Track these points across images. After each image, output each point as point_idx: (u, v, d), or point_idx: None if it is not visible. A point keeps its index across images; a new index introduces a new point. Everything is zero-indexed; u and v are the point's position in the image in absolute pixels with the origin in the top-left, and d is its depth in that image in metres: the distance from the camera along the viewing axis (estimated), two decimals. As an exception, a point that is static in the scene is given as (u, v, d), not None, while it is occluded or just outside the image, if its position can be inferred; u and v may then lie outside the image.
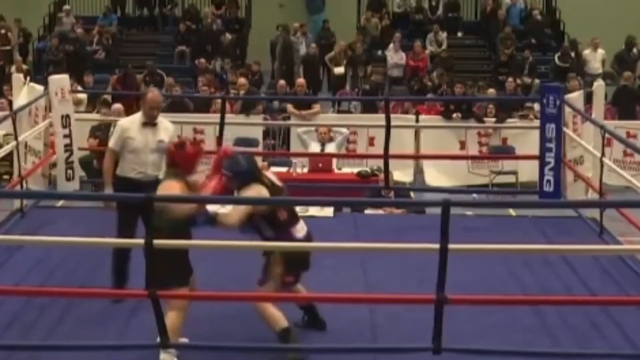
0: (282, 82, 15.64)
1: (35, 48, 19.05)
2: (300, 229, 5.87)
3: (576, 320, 6.29)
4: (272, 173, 6.25)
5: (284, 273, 5.80)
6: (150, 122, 6.74)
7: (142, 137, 6.72)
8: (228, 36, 18.98)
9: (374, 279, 7.07)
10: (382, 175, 9.84)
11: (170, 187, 5.69)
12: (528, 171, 12.08)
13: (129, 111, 14.32)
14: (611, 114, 15.00)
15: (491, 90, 15.39)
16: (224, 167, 5.81)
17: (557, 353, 5.89)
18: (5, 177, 12.38)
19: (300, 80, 14.97)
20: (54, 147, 9.27)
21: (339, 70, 17.70)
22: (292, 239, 5.79)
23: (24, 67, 17.17)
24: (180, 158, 5.76)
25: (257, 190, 5.77)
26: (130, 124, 6.84)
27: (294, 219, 5.90)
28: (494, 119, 14.34)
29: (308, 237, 5.91)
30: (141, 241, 5.42)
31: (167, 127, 6.84)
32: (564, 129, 8.94)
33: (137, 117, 6.82)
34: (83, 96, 14.57)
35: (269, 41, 18.78)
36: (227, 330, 6.09)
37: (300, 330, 6.05)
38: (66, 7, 19.94)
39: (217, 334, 5.99)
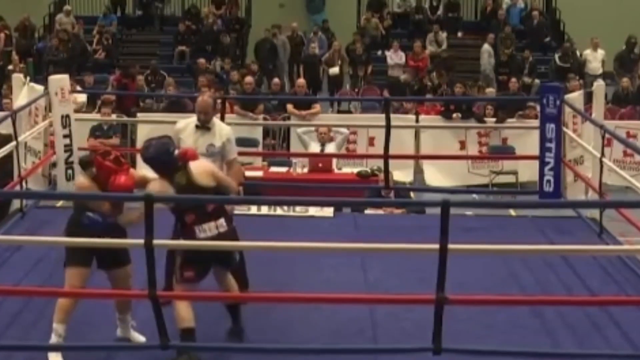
0: (276, 80, 15.67)
1: (36, 48, 19.04)
2: (209, 229, 5.73)
3: (576, 320, 6.29)
4: (206, 172, 5.92)
5: (182, 267, 5.69)
6: (202, 126, 6.60)
7: (192, 140, 6.56)
8: (228, 36, 19.00)
9: (374, 279, 7.07)
10: (382, 175, 9.84)
11: (79, 183, 5.92)
12: (528, 171, 12.09)
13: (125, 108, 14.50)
14: (629, 114, 15.07)
15: (490, 89, 15.37)
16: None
17: (557, 353, 5.89)
18: (5, 177, 12.38)
19: (301, 81, 14.98)
20: (54, 147, 9.27)
21: (334, 70, 17.75)
22: (194, 236, 5.70)
23: (21, 66, 17.17)
24: (97, 163, 5.80)
25: (158, 185, 5.73)
26: (185, 125, 6.70)
27: (204, 219, 5.73)
28: (494, 119, 14.34)
29: (220, 237, 5.74)
30: (140, 241, 5.41)
31: (222, 133, 6.61)
32: (564, 129, 8.95)
33: (194, 119, 6.69)
34: (83, 100, 14.56)
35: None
36: (226, 330, 6.09)
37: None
38: (67, 7, 19.93)
39: (216, 334, 5.99)
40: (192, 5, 20.42)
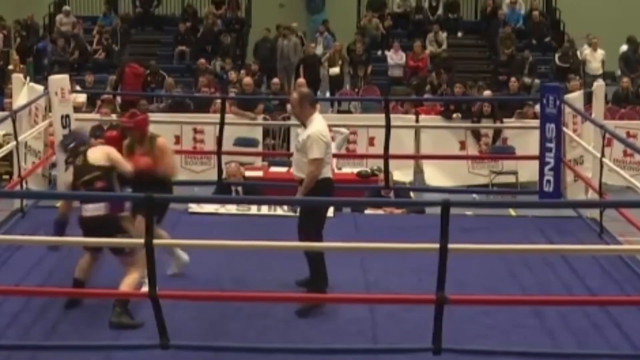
0: (275, 80, 15.66)
1: (36, 48, 19.02)
2: (88, 209, 6.10)
3: (576, 320, 6.29)
4: (102, 151, 6.39)
5: None
6: (302, 123, 6.73)
7: (300, 135, 6.77)
8: (228, 36, 19.00)
9: (374, 279, 7.07)
10: (382, 175, 9.83)
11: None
12: (528, 171, 12.09)
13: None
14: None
15: (487, 92, 15.35)
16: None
17: (557, 353, 5.89)
18: (5, 177, 12.39)
19: (301, 81, 14.97)
20: (54, 147, 9.27)
21: (335, 70, 17.75)
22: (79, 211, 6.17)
23: (21, 66, 17.16)
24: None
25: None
26: None
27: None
28: (492, 120, 14.31)
29: (98, 219, 6.07)
30: (141, 241, 5.42)
31: (307, 131, 6.58)
32: (564, 129, 8.94)
33: None
34: (83, 100, 14.55)
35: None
36: (225, 330, 6.09)
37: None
38: (66, 7, 19.90)
39: (216, 334, 5.99)
40: (188, 4, 20.41)
